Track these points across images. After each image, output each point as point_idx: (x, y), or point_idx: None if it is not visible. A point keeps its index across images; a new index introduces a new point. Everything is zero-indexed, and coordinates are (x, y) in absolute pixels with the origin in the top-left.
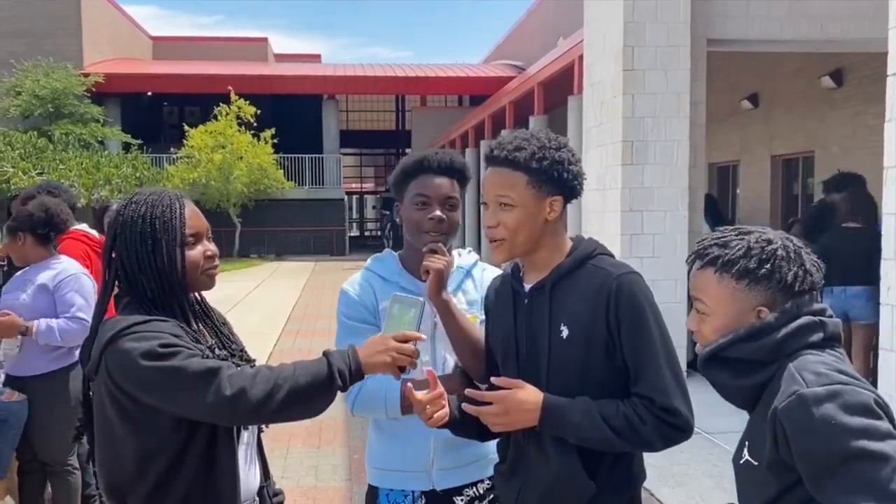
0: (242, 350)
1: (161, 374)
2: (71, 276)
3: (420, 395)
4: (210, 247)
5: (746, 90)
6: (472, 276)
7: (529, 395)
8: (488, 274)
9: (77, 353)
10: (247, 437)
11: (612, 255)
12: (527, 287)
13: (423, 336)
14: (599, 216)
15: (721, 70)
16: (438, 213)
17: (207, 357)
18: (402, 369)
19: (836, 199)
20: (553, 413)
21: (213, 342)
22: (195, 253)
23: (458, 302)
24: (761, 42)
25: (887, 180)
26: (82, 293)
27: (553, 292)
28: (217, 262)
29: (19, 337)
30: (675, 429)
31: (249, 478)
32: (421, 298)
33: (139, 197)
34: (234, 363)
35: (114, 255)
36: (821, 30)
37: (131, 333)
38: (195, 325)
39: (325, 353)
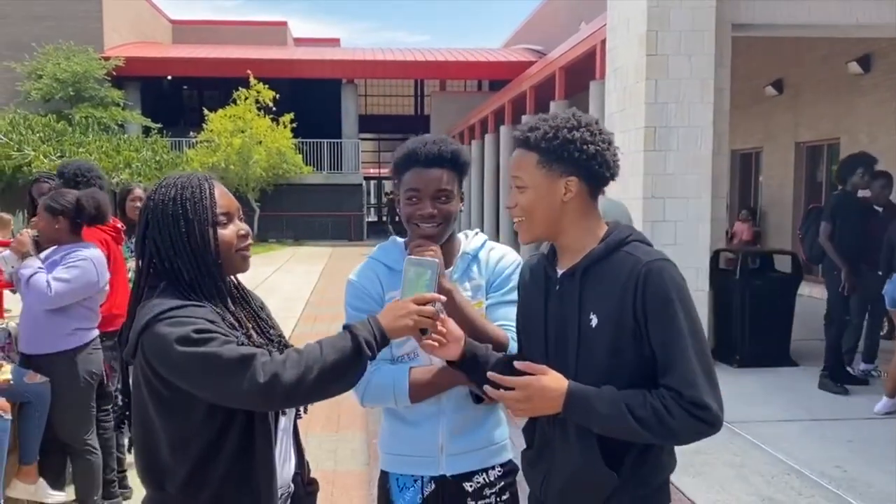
0: (280, 336)
1: (195, 361)
2: (80, 258)
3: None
4: (242, 226)
5: (771, 76)
6: (479, 259)
7: (554, 381)
8: (496, 253)
9: (87, 334)
10: (284, 423)
11: (648, 243)
12: (559, 272)
13: (442, 297)
14: None
15: (745, 56)
16: (429, 209)
17: (242, 344)
18: (423, 331)
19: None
20: (578, 402)
21: (252, 326)
22: (228, 232)
23: (464, 289)
24: (788, 27)
25: None
26: (74, 274)
27: (584, 279)
28: (250, 240)
29: (10, 253)
30: (703, 423)
31: (285, 466)
32: (435, 260)
33: (168, 181)
34: (268, 350)
35: (146, 241)
36: (849, 14)
37: (167, 318)
38: (234, 309)
39: (348, 327)
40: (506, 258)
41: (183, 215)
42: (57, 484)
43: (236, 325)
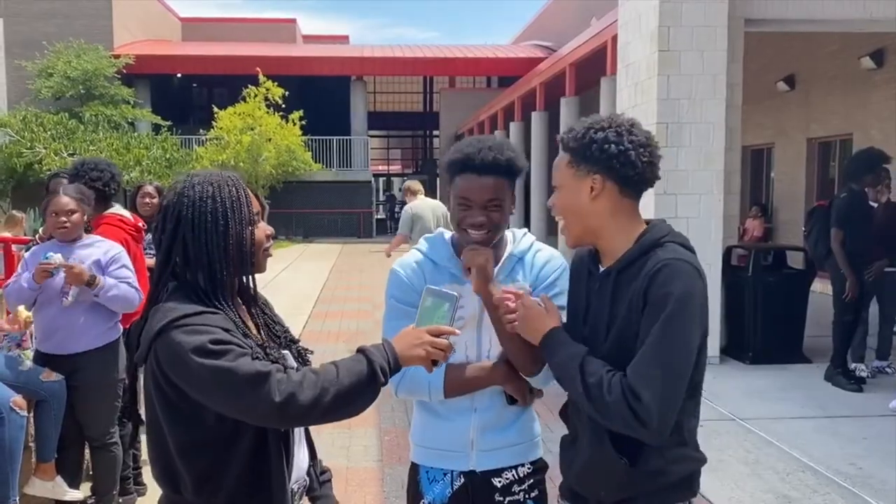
0: (286, 331)
1: (211, 374)
2: (121, 252)
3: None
4: (268, 226)
5: (783, 71)
6: (524, 262)
7: (548, 319)
8: (542, 256)
9: (120, 327)
10: None
11: (684, 244)
12: (600, 270)
13: (458, 331)
14: None
15: (756, 51)
16: (480, 217)
17: (257, 356)
18: (434, 363)
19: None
20: (550, 343)
21: (259, 323)
22: (259, 232)
23: None
24: (801, 22)
25: None
26: (130, 268)
27: (617, 279)
28: (273, 241)
29: (76, 288)
30: (634, 414)
31: (299, 460)
32: (455, 293)
33: (199, 178)
34: (277, 355)
35: (175, 239)
36: (863, 9)
37: (182, 325)
38: (254, 311)
39: (364, 351)
40: (551, 262)
41: (223, 214)
42: (74, 482)
43: (248, 330)
